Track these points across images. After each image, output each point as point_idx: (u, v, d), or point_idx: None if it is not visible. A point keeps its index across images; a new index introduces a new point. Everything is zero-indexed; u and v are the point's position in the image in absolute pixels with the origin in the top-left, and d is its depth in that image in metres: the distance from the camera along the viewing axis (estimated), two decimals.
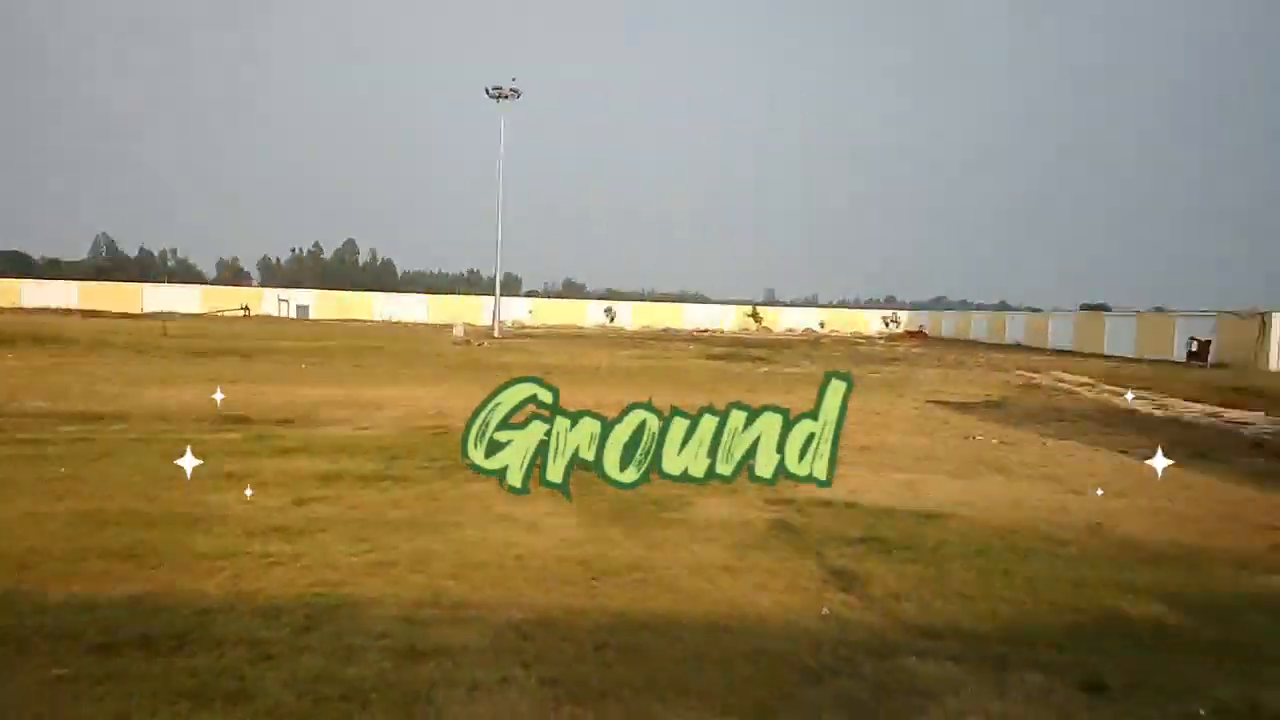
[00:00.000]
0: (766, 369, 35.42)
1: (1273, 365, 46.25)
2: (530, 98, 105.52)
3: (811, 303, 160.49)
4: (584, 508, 9.92)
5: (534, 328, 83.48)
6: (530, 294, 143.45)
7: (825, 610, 6.77)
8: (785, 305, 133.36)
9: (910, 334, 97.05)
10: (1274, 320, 47.88)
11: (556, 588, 7.21)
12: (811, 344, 65.84)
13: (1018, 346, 74.25)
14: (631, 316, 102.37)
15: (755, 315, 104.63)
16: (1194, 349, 51.65)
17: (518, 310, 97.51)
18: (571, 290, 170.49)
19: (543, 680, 5.39)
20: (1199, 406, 26.38)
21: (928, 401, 24.08)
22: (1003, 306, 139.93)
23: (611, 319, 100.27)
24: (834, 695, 5.26)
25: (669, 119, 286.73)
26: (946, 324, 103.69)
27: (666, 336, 71.32)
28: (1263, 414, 24.74)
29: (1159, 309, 66.93)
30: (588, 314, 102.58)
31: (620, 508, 9.93)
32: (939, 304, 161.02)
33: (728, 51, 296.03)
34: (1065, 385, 32.64)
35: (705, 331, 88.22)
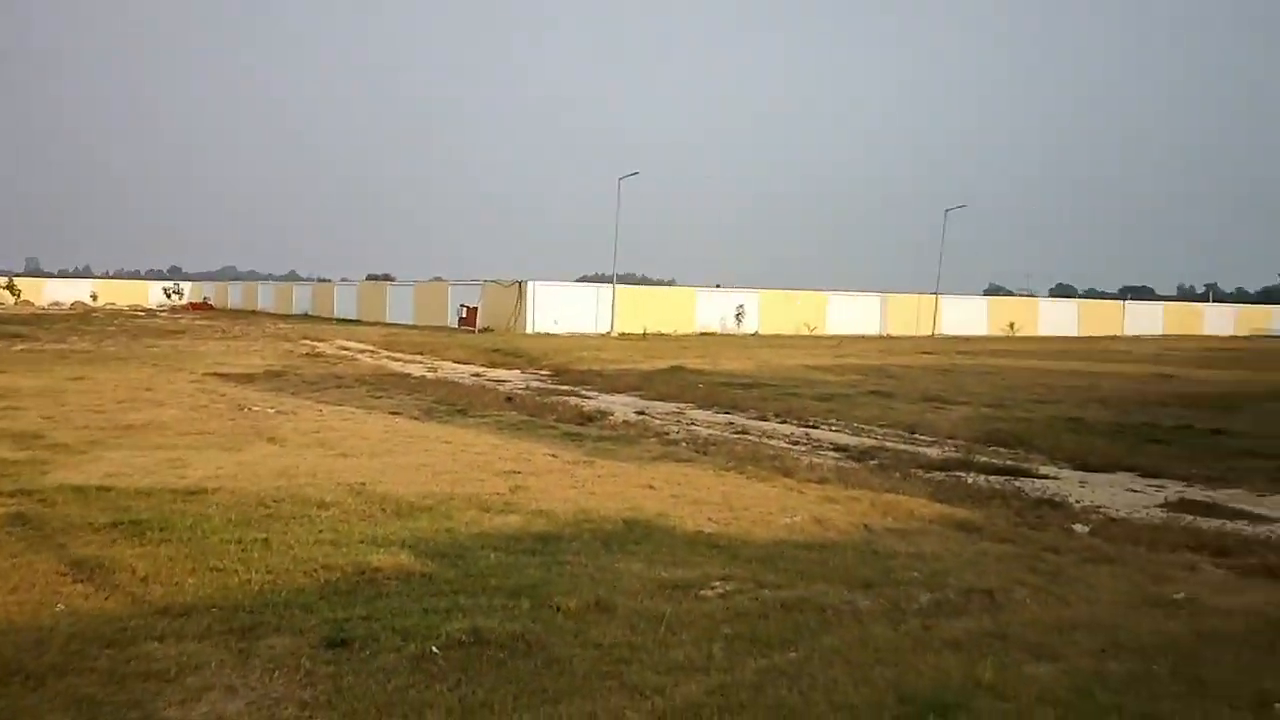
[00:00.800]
0: (23, 347, 31.55)
1: (529, 329, 52.60)
2: None
3: (84, 274, 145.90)
4: None
5: None
6: None
7: (60, 606, 6.14)
8: (51, 276, 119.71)
9: (194, 305, 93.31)
10: (528, 289, 54.47)
11: None
12: (81, 318, 59.89)
13: (305, 316, 75.21)
14: None
15: (11, 287, 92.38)
16: (463, 315, 56.75)
17: None
18: None
19: None
20: (467, 368, 29.06)
21: (206, 375, 23.30)
22: (293, 276, 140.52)
23: None
24: (57, 696, 4.79)
25: None
26: (234, 295, 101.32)
27: None
28: (519, 372, 28.06)
29: (437, 279, 72.30)
30: None
31: None
32: (227, 274, 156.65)
33: None
34: (347, 353, 33.78)
35: None
